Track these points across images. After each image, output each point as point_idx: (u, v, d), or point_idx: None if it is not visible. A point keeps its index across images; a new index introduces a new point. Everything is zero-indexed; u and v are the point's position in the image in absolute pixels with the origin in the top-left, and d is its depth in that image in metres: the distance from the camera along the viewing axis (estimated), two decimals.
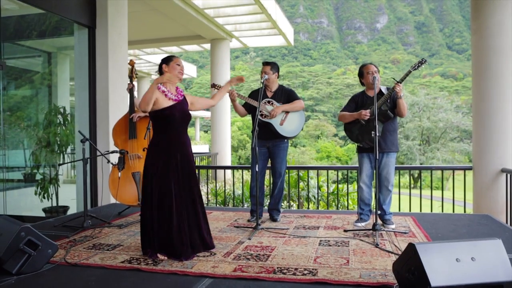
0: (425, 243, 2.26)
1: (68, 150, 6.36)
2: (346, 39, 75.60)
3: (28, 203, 6.95)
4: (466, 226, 4.06)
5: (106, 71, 5.92)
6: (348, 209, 6.35)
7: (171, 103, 3.20)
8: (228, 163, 11.56)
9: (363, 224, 4.14)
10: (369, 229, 3.79)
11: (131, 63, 4.82)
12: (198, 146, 30.51)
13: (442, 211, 5.53)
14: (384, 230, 3.80)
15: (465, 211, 5.66)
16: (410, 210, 5.55)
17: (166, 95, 3.18)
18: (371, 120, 3.95)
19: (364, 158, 4.16)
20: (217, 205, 7.52)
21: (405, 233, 3.77)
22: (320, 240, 3.57)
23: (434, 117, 28.16)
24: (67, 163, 4.55)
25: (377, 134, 3.66)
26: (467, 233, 3.80)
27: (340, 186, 6.97)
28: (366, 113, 3.95)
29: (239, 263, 2.96)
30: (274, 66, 4.43)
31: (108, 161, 4.24)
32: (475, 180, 5.37)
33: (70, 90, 7.42)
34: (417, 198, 5.77)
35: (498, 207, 5.11)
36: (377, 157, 3.65)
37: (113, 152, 4.39)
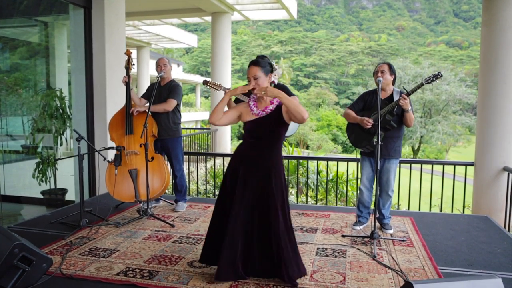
0: (423, 282, 2.23)
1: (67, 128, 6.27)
2: (351, 4, 73.80)
3: (26, 182, 6.92)
4: (464, 233, 4.04)
5: (103, 54, 5.75)
6: (346, 199, 6.34)
7: (252, 117, 2.97)
8: (228, 141, 11.47)
9: (361, 227, 4.12)
10: (367, 236, 3.77)
11: (128, 53, 4.66)
12: (199, 113, 30.44)
13: (441, 208, 5.50)
14: (382, 238, 3.78)
15: (465, 196, 5.55)
16: (409, 189, 5.43)
17: (251, 109, 2.99)
18: (371, 127, 3.85)
19: (365, 161, 4.09)
20: (216, 188, 7.50)
21: (403, 240, 3.75)
22: (318, 248, 3.56)
23: (437, 90, 27.82)
24: (64, 158, 4.48)
25: (379, 143, 3.57)
26: (465, 242, 3.77)
27: (339, 172, 6.93)
28: (368, 122, 3.83)
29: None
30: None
31: (104, 159, 4.16)
32: (476, 176, 5.31)
33: (67, 57, 7.21)
34: (417, 171, 5.68)
35: (498, 205, 5.08)
36: (378, 167, 3.57)
37: (109, 148, 4.31)
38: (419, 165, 5.79)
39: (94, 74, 5.76)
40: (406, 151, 29.51)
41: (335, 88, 51.09)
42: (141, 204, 4.39)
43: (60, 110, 6.26)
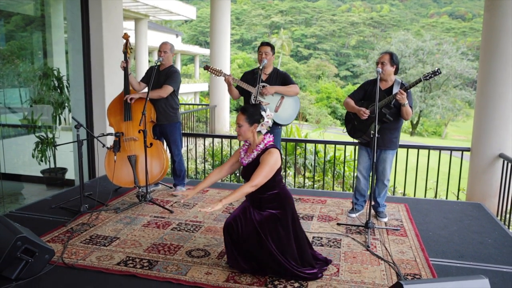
0: (413, 283, 2.31)
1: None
2: None
3: (26, 159, 6.95)
4: (457, 221, 4.12)
5: (100, 34, 5.69)
6: (343, 181, 6.41)
7: (242, 165, 3.08)
8: (227, 115, 11.44)
9: (356, 214, 4.20)
10: (362, 225, 3.85)
11: (125, 37, 4.62)
12: (198, 85, 30.23)
13: (436, 192, 5.58)
14: (376, 227, 3.86)
15: (460, 174, 5.60)
16: (405, 173, 5.49)
17: (241, 156, 3.05)
18: (368, 119, 3.87)
19: (362, 150, 4.13)
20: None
21: (396, 230, 3.84)
22: (313, 237, 3.64)
23: (438, 64, 27.60)
24: (63, 144, 4.50)
25: (376, 135, 3.60)
26: (458, 231, 3.86)
27: (337, 154, 6.99)
28: (365, 112, 3.85)
29: (232, 269, 3.03)
30: (273, 47, 4.30)
31: (104, 145, 4.19)
32: (471, 162, 5.37)
33: (64, 28, 7.10)
34: (414, 151, 5.73)
35: (492, 191, 5.16)
36: (374, 159, 3.62)
37: (108, 134, 4.34)
38: (416, 141, 5.83)
39: (91, 54, 5.71)
40: (404, 125, 29.52)
41: (335, 59, 50.57)
42: (140, 189, 4.45)
43: (58, 90, 6.24)
